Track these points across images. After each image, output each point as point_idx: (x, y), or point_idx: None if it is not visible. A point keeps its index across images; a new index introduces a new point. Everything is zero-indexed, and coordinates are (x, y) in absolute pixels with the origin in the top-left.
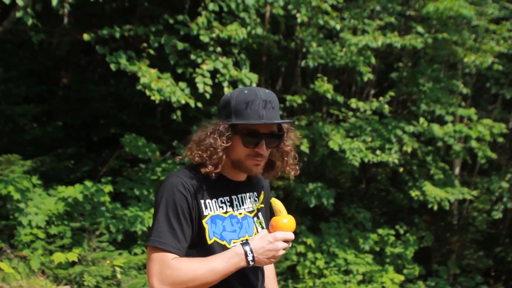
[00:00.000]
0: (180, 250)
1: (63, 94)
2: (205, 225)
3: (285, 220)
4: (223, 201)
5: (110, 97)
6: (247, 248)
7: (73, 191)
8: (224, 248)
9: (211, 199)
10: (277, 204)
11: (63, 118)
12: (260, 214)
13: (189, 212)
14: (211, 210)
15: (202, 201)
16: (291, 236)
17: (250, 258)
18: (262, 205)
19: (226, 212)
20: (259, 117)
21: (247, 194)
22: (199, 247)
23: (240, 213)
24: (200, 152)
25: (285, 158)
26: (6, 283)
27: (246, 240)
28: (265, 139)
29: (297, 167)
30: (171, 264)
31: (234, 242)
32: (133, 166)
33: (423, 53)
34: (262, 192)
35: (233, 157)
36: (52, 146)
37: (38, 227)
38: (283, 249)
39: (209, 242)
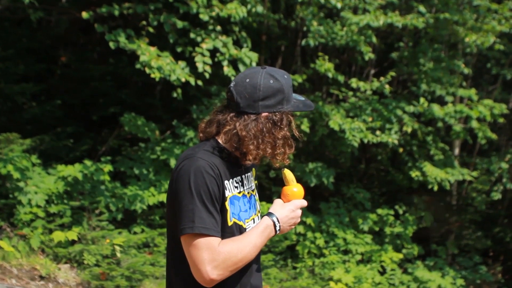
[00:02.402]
0: (219, 233)
1: (62, 73)
2: (228, 207)
3: (295, 189)
4: (237, 181)
5: (109, 76)
6: (274, 218)
7: (73, 170)
8: (241, 228)
9: (228, 180)
10: (289, 174)
11: (62, 97)
12: (256, 191)
13: (220, 195)
14: (229, 191)
15: (226, 182)
16: (305, 203)
17: (277, 228)
18: (256, 182)
19: (240, 192)
20: (302, 102)
21: (250, 172)
22: (221, 229)
23: (248, 192)
24: (275, 145)
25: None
26: (6, 262)
27: (258, 217)
28: None
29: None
30: (221, 249)
31: (247, 222)
32: (132, 145)
33: (424, 33)
34: (253, 169)
35: None
36: (51, 125)
37: (38, 206)
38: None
39: (230, 223)
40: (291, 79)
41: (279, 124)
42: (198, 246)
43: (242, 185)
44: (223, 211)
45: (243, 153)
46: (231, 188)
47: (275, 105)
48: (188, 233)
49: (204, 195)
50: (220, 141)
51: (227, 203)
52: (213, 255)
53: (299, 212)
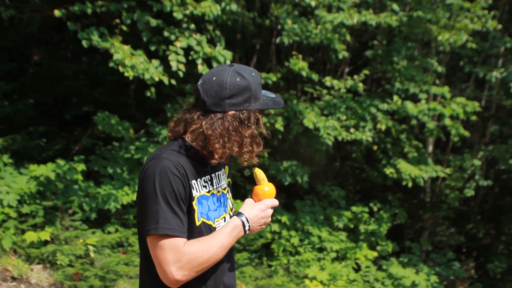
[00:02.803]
0: (185, 233)
1: (34, 71)
2: (195, 207)
3: (267, 188)
4: (205, 180)
5: (82, 74)
6: (243, 218)
7: (45, 170)
8: (210, 227)
9: (196, 179)
10: (261, 173)
11: (34, 96)
12: (229, 189)
13: (185, 195)
14: (197, 191)
15: (193, 182)
16: (277, 202)
17: (247, 227)
18: (229, 180)
19: (209, 191)
20: (272, 100)
21: (221, 171)
22: (187, 229)
23: (218, 191)
24: (242, 144)
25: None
26: None
27: (229, 216)
28: None
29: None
30: (186, 249)
31: (217, 221)
32: (106, 144)
33: (398, 31)
34: (226, 166)
35: None
36: (24, 124)
37: (10, 206)
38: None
39: (198, 223)
40: (260, 77)
41: (246, 122)
42: (163, 247)
43: (212, 184)
44: (190, 211)
45: (210, 152)
46: (199, 188)
47: (242, 103)
48: (152, 234)
49: (169, 195)
50: (187, 140)
51: (194, 203)
52: (178, 255)
53: (270, 211)
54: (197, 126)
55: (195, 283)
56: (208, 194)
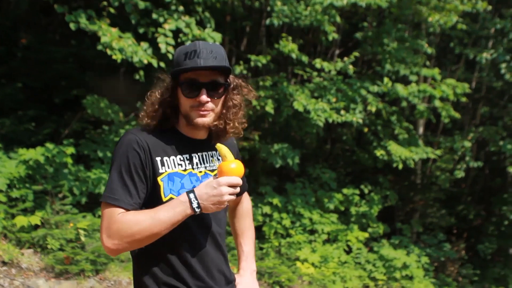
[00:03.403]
0: (132, 205)
1: (22, 55)
2: (160, 183)
3: (233, 165)
4: (181, 158)
5: (71, 58)
6: (191, 195)
7: (35, 154)
8: None
9: (169, 157)
10: (222, 149)
11: (23, 79)
12: None
13: (143, 169)
14: (168, 168)
15: (158, 158)
16: (237, 180)
17: (195, 205)
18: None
19: (185, 170)
20: (196, 65)
21: (210, 152)
22: (154, 204)
23: (200, 171)
24: (145, 107)
25: (227, 112)
26: None
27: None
28: (205, 88)
29: (240, 125)
30: (117, 218)
31: None
32: (96, 128)
33: (388, 13)
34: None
35: (182, 112)
36: (12, 108)
37: None
38: (230, 194)
39: (164, 199)
40: (195, 48)
41: (159, 84)
42: (103, 214)
43: (191, 163)
44: (155, 187)
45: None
46: (170, 165)
47: (171, 70)
48: (101, 201)
49: (124, 167)
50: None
51: (159, 179)
52: (109, 223)
53: (224, 189)
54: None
55: (180, 268)
56: (184, 173)
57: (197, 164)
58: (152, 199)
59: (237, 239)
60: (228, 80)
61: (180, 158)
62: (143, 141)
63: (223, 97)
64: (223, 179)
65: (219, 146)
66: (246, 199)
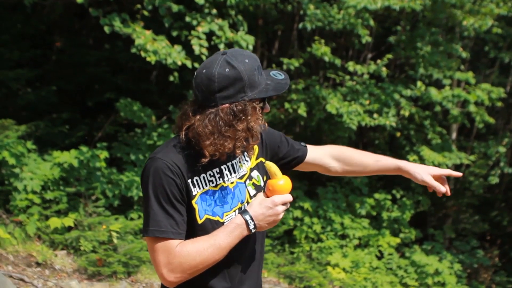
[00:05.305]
0: (180, 234)
1: (57, 58)
2: (195, 206)
3: (281, 182)
4: (212, 174)
5: (104, 61)
6: (247, 217)
7: (68, 157)
8: (217, 223)
9: (199, 176)
10: (271, 167)
11: (57, 82)
12: (254, 173)
13: (181, 195)
14: (199, 188)
15: (189, 181)
16: (289, 198)
17: (251, 226)
18: (257, 161)
19: (216, 186)
20: (273, 85)
21: (237, 158)
22: (189, 226)
23: (231, 182)
24: (235, 139)
25: None
26: (2, 248)
27: (243, 208)
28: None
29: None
30: (177, 252)
31: (226, 215)
32: (128, 131)
33: (422, 16)
34: (255, 147)
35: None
36: (46, 111)
37: (34, 192)
38: (283, 211)
39: (200, 221)
40: (257, 61)
41: (240, 115)
42: (155, 249)
43: (222, 177)
44: (190, 210)
45: (201, 149)
46: (201, 184)
47: (235, 94)
48: (147, 236)
49: (162, 196)
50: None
51: (193, 202)
52: (168, 258)
53: (280, 208)
54: (191, 122)
55: (213, 278)
56: (216, 189)
57: (227, 176)
58: (188, 222)
59: (369, 166)
60: None
61: (210, 174)
62: (174, 165)
63: None
64: (278, 198)
65: (268, 164)
66: (324, 149)
